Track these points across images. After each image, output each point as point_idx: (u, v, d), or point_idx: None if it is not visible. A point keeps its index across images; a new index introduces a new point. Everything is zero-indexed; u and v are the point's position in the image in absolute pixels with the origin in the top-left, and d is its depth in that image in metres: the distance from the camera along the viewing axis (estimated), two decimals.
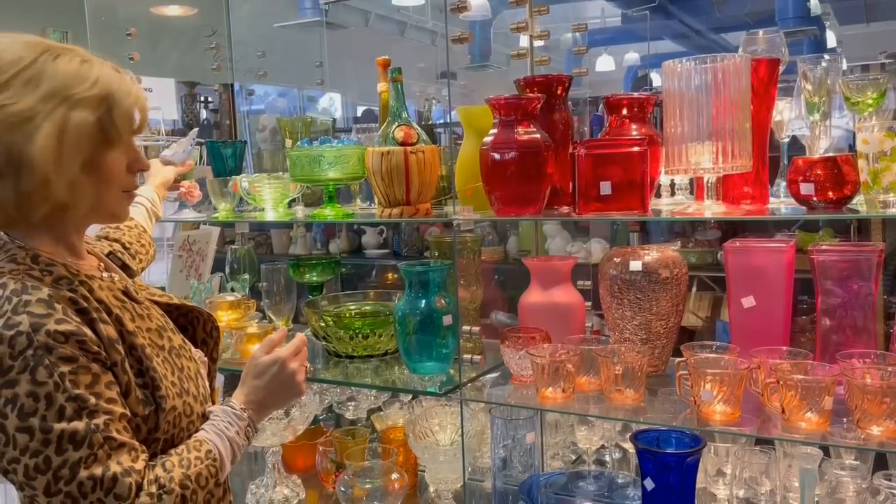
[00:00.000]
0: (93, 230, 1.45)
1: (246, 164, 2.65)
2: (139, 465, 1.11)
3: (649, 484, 1.60)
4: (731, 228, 4.06)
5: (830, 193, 1.54)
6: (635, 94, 1.88)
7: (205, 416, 1.30)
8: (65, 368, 1.07)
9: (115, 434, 1.10)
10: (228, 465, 1.26)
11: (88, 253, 1.31)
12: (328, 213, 2.07)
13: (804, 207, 1.60)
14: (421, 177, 1.90)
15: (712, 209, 1.62)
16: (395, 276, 4.60)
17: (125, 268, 1.44)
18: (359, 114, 7.16)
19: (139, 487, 1.10)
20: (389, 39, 6.63)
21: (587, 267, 2.36)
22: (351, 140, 2.16)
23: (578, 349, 1.84)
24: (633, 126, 1.85)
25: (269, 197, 2.17)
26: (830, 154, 1.61)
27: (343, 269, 3.75)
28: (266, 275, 2.43)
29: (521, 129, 1.75)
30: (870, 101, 1.66)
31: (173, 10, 3.47)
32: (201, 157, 2.45)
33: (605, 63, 7.46)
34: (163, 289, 2.53)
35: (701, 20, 6.87)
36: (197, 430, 1.26)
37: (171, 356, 1.27)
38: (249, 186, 2.18)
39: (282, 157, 2.43)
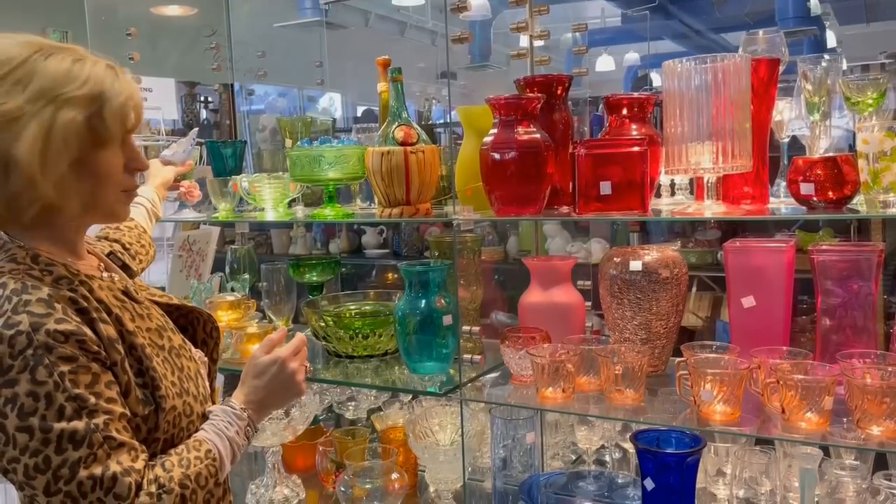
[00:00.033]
0: (93, 230, 1.45)
1: (246, 164, 2.65)
2: (139, 464, 1.11)
3: (649, 484, 1.60)
4: (731, 228, 4.06)
5: (830, 193, 1.54)
6: (635, 94, 1.88)
7: (205, 416, 1.30)
8: (64, 368, 1.07)
9: (114, 434, 1.10)
10: (228, 464, 1.26)
11: (89, 253, 1.31)
12: (328, 213, 2.07)
13: (804, 207, 1.60)
14: (421, 177, 1.90)
15: (712, 209, 1.62)
16: (395, 276, 4.60)
17: (125, 268, 1.44)
18: (359, 114, 7.16)
19: (139, 487, 1.10)
20: (389, 39, 6.63)
21: (587, 267, 2.36)
22: (351, 140, 2.16)
23: (578, 349, 1.84)
24: (633, 126, 1.85)
25: (269, 197, 2.17)
26: (830, 154, 1.61)
27: (343, 269, 3.75)
28: (266, 275, 2.43)
29: (521, 129, 1.75)
30: (870, 101, 1.66)
31: (173, 10, 3.47)
32: (201, 157, 2.45)
33: (605, 63, 7.46)
34: (163, 289, 2.54)
35: (701, 20, 6.87)
36: (197, 430, 1.26)
37: (171, 356, 1.27)
38: (249, 186, 2.18)
39: (282, 157, 2.43)
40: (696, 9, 6.63)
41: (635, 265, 1.87)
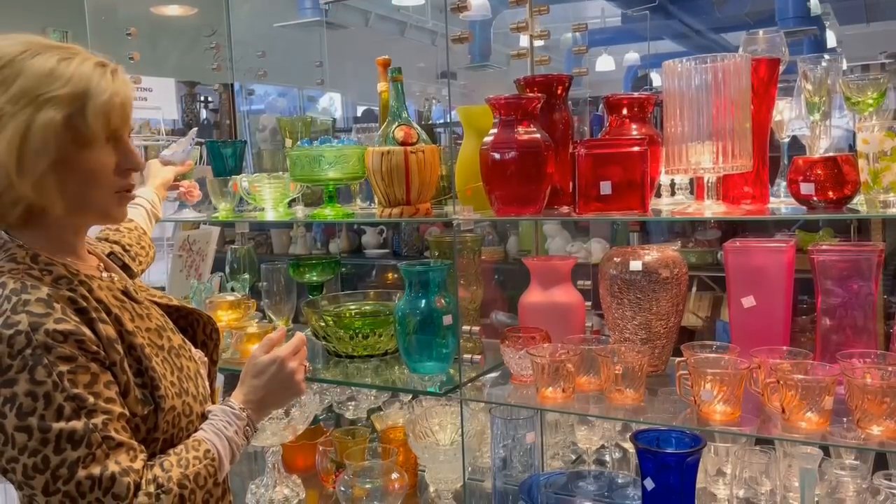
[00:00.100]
0: (93, 232, 1.45)
1: (246, 163, 2.65)
2: (137, 464, 1.11)
3: (649, 484, 1.60)
4: (731, 228, 4.06)
5: (830, 193, 1.54)
6: (635, 94, 1.88)
7: (204, 416, 1.30)
8: (63, 368, 1.07)
9: (113, 434, 1.10)
10: (227, 464, 1.26)
11: (89, 253, 1.31)
12: (328, 212, 2.07)
13: (804, 207, 1.60)
14: (421, 177, 1.90)
15: (712, 209, 1.62)
16: (395, 275, 4.60)
17: (125, 268, 1.44)
18: (359, 113, 7.16)
19: (137, 487, 1.10)
20: (389, 39, 6.63)
21: (587, 267, 2.36)
22: (351, 140, 2.16)
23: (578, 349, 1.84)
24: (634, 126, 1.84)
25: (269, 197, 2.17)
26: (830, 154, 1.61)
27: (343, 269, 3.75)
28: (266, 275, 2.43)
29: (521, 129, 1.75)
30: (870, 101, 1.66)
31: (173, 10, 3.47)
32: (201, 157, 2.45)
33: (605, 63, 7.46)
34: (163, 289, 2.54)
35: (701, 20, 6.87)
36: (196, 430, 1.26)
37: (171, 356, 1.26)
38: (249, 186, 2.18)
39: (282, 157, 2.43)
40: (696, 9, 6.63)
41: (635, 265, 1.86)
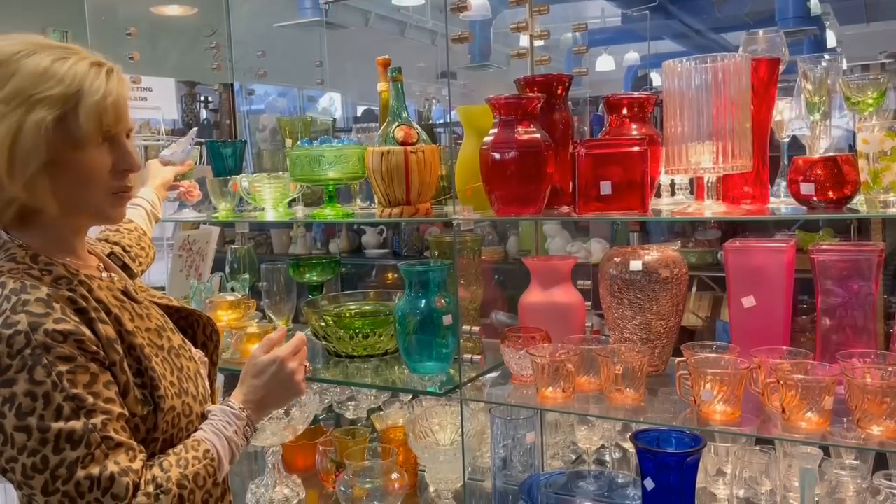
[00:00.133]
0: (93, 232, 1.45)
1: (246, 163, 2.65)
2: (136, 464, 1.11)
3: (649, 484, 1.60)
4: (731, 228, 4.06)
5: (830, 193, 1.54)
6: (635, 94, 1.88)
7: (204, 417, 1.30)
8: (63, 368, 1.07)
9: (112, 434, 1.09)
10: (227, 464, 1.26)
11: (89, 253, 1.31)
12: (328, 212, 2.07)
13: (804, 207, 1.60)
14: (421, 176, 1.90)
15: (712, 209, 1.62)
16: (395, 275, 4.60)
17: (126, 268, 1.44)
18: (359, 113, 7.16)
19: (136, 487, 1.10)
20: (389, 39, 6.63)
21: (587, 267, 2.36)
22: (351, 140, 2.16)
23: (578, 349, 1.84)
24: (634, 126, 1.84)
25: (269, 196, 2.17)
26: (831, 154, 1.61)
27: (343, 269, 3.75)
28: (266, 274, 2.43)
29: (521, 129, 1.75)
30: (870, 101, 1.66)
31: (173, 10, 3.47)
32: (201, 157, 2.45)
33: (605, 63, 7.46)
34: (163, 289, 2.54)
35: (701, 20, 6.87)
36: (196, 430, 1.26)
37: (171, 356, 1.26)
38: (249, 186, 2.18)
39: (282, 157, 2.43)
40: (696, 9, 6.63)
41: (635, 265, 1.86)
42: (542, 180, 1.76)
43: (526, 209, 1.78)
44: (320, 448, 2.38)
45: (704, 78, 1.54)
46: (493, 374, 2.06)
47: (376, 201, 1.99)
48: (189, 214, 2.38)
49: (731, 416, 1.62)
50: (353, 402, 2.57)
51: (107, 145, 1.18)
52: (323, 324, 2.17)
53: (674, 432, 1.65)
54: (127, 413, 1.14)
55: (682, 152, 1.58)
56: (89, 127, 1.13)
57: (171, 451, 1.20)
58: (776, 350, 1.69)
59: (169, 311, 1.39)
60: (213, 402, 1.38)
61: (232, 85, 3.52)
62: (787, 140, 1.86)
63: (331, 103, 6.93)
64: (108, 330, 1.15)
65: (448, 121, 4.61)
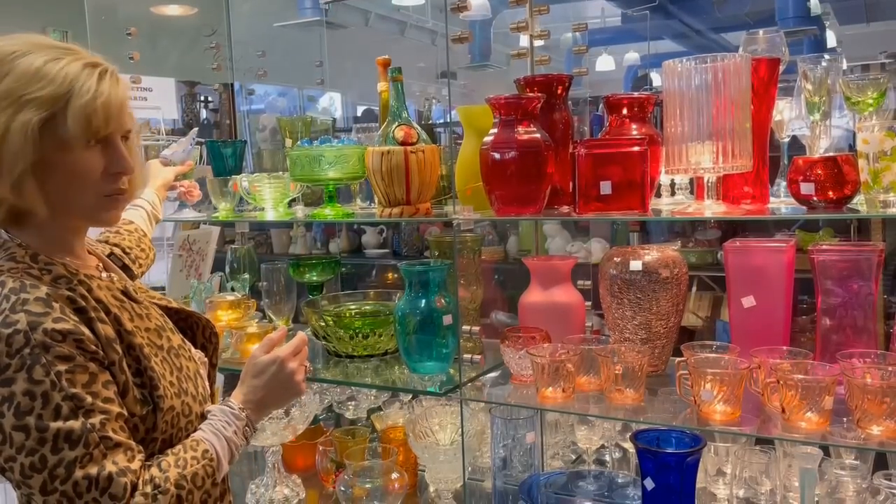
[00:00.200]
0: (94, 234, 1.45)
1: (246, 163, 2.65)
2: (135, 464, 1.11)
3: (649, 484, 1.60)
4: (731, 228, 4.06)
5: (830, 193, 1.54)
6: (635, 94, 1.88)
7: (203, 417, 1.29)
8: (61, 367, 1.07)
9: (111, 434, 1.09)
10: (226, 464, 1.26)
11: (89, 253, 1.31)
12: (328, 212, 2.07)
13: (804, 207, 1.60)
14: (421, 176, 1.90)
15: (712, 209, 1.62)
16: (395, 275, 4.60)
17: (126, 269, 1.44)
18: (359, 113, 7.16)
19: (134, 487, 1.10)
20: (389, 39, 6.63)
21: (587, 267, 2.36)
22: (351, 140, 2.16)
23: (578, 349, 1.84)
24: (634, 126, 1.84)
25: (269, 196, 2.17)
26: (831, 154, 1.61)
27: (343, 269, 3.75)
28: (266, 274, 2.42)
29: (521, 129, 1.75)
30: (870, 101, 1.66)
31: (173, 10, 3.47)
32: (201, 157, 2.45)
33: (605, 63, 7.46)
34: (162, 289, 2.54)
35: (701, 20, 6.87)
36: (195, 430, 1.26)
37: (170, 356, 1.26)
38: (249, 186, 2.18)
39: (282, 157, 2.43)
40: (696, 9, 6.63)
41: (635, 265, 1.86)
42: (542, 180, 1.76)
43: (526, 209, 1.78)
44: (320, 448, 2.38)
45: (704, 78, 1.54)
46: (493, 374, 2.06)
47: (376, 201, 1.99)
48: (189, 214, 2.38)
49: (731, 416, 1.62)
50: (353, 402, 2.57)
51: (99, 147, 1.17)
52: (323, 324, 2.17)
53: (674, 432, 1.65)
54: (126, 413, 1.14)
55: (682, 152, 1.58)
56: (77, 128, 1.12)
57: (169, 451, 1.19)
58: (776, 350, 1.69)
59: (168, 312, 1.39)
60: (213, 402, 1.38)
61: (232, 85, 3.52)
62: (787, 140, 1.86)
63: (331, 103, 6.93)
64: (107, 329, 1.15)
65: (448, 121, 4.61)
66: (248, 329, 2.19)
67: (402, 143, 1.89)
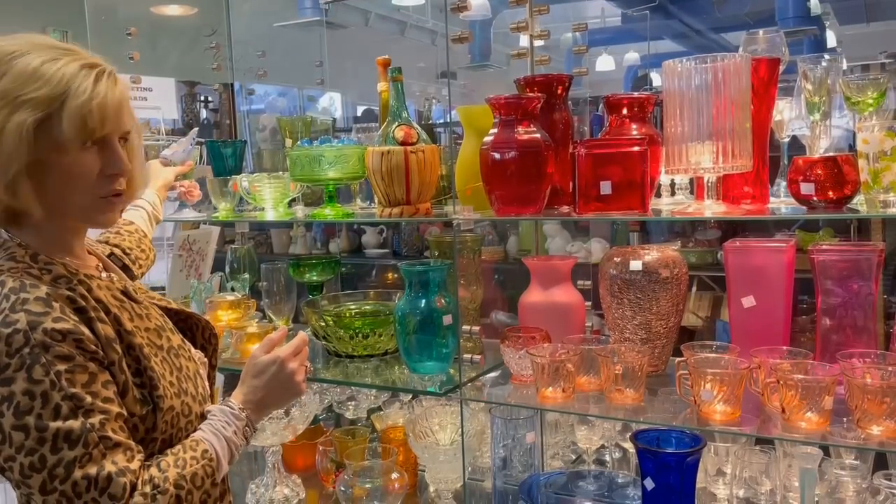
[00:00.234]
0: (94, 235, 1.45)
1: (246, 163, 2.65)
2: (134, 464, 1.11)
3: (649, 484, 1.60)
4: (731, 228, 4.06)
5: (830, 193, 1.54)
6: (635, 94, 1.88)
7: (203, 417, 1.29)
8: (61, 367, 1.07)
9: (110, 433, 1.09)
10: (226, 464, 1.26)
11: (89, 253, 1.31)
12: (328, 212, 2.07)
13: (804, 207, 1.60)
14: (421, 176, 1.90)
15: (712, 209, 1.62)
16: (395, 275, 4.60)
17: (126, 269, 1.44)
18: (359, 113, 7.16)
19: (133, 487, 1.10)
20: (389, 39, 6.63)
21: (587, 267, 2.36)
22: (351, 140, 2.16)
23: (578, 349, 1.84)
24: (634, 126, 1.84)
25: (269, 196, 2.17)
26: (831, 154, 1.61)
27: (343, 269, 3.75)
28: (266, 274, 2.42)
29: (521, 129, 1.75)
30: (870, 101, 1.66)
31: (173, 10, 3.47)
32: (201, 157, 2.45)
33: (605, 63, 7.46)
34: (162, 288, 2.54)
35: (701, 20, 6.87)
36: (195, 430, 1.26)
37: (170, 356, 1.26)
38: (249, 186, 2.18)
39: (282, 157, 2.43)
40: (696, 9, 6.63)
41: (635, 265, 1.86)
42: (542, 180, 1.76)
43: (526, 209, 1.78)
44: (320, 448, 2.38)
45: (704, 78, 1.54)
46: (493, 374, 2.06)
47: (376, 201, 1.99)
48: (189, 214, 2.38)
49: (731, 416, 1.62)
50: (353, 402, 2.57)
51: (95, 149, 1.16)
52: (323, 324, 2.17)
53: (674, 432, 1.65)
54: (125, 413, 1.14)
55: (682, 152, 1.58)
56: (72, 129, 1.11)
57: (169, 451, 1.19)
58: (776, 350, 1.69)
59: (168, 313, 1.38)
60: (213, 402, 1.38)
61: (232, 85, 3.52)
62: (787, 140, 1.86)
63: (331, 103, 6.93)
64: (107, 329, 1.15)
65: (448, 121, 4.61)
66: (248, 329, 2.19)
67: (402, 143, 1.89)
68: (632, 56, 7.59)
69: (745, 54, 1.65)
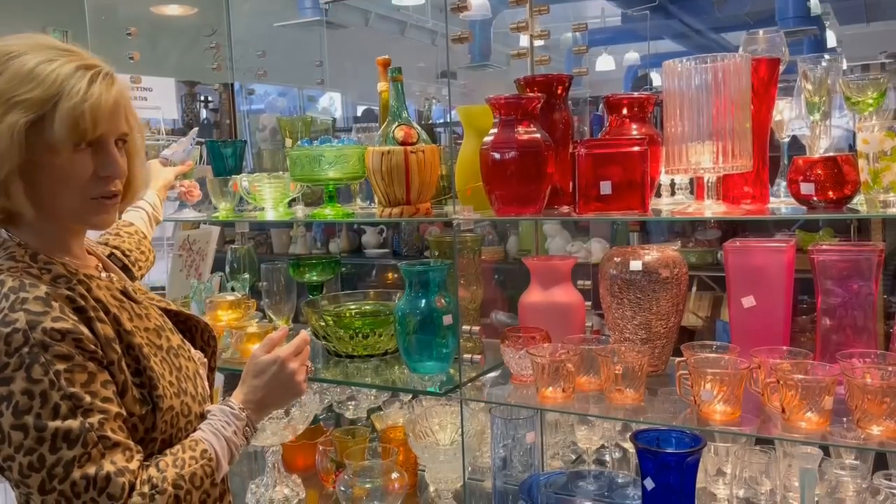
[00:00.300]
0: (94, 236, 1.44)
1: (246, 163, 2.65)
2: (133, 464, 1.11)
3: (649, 484, 1.60)
4: (731, 228, 4.06)
5: (830, 193, 1.54)
6: (635, 94, 1.88)
7: (203, 417, 1.29)
8: (60, 366, 1.07)
9: (109, 433, 1.09)
10: (225, 464, 1.26)
11: (89, 253, 1.31)
12: (328, 212, 2.07)
13: (804, 207, 1.60)
14: (421, 176, 1.90)
15: (712, 209, 1.62)
16: (395, 275, 4.60)
17: (126, 269, 1.44)
18: (359, 113, 7.16)
19: (132, 487, 1.10)
20: (389, 39, 6.63)
21: (587, 266, 2.36)
22: (351, 140, 2.16)
23: (578, 349, 1.84)
24: (634, 126, 1.84)
25: (269, 196, 2.17)
26: (831, 154, 1.61)
27: (343, 269, 3.75)
28: (266, 274, 2.42)
29: (521, 129, 1.75)
30: (870, 101, 1.66)
31: (173, 10, 3.47)
32: (201, 157, 2.45)
33: (605, 63, 7.46)
34: (163, 289, 2.54)
35: (701, 20, 6.87)
36: (195, 430, 1.26)
37: (170, 356, 1.26)
38: (249, 186, 2.18)
39: (282, 157, 2.43)
40: (696, 8, 6.63)
41: (635, 265, 1.86)
42: (542, 180, 1.76)
43: (526, 209, 1.78)
44: (320, 448, 2.38)
45: (704, 78, 1.54)
46: (493, 374, 2.06)
47: (376, 201, 1.99)
48: (189, 214, 2.38)
49: (731, 416, 1.62)
50: (353, 402, 2.57)
51: (90, 150, 1.16)
52: (323, 324, 2.17)
53: (674, 432, 1.65)
54: (125, 412, 1.14)
55: (682, 152, 1.58)
56: (63, 131, 1.11)
57: (168, 451, 1.19)
58: (776, 350, 1.69)
59: (167, 314, 1.38)
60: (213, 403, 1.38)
61: (232, 85, 3.52)
62: (787, 140, 1.86)
63: (331, 103, 6.93)
64: (106, 329, 1.15)
65: (448, 121, 4.61)
66: (248, 329, 2.19)
67: (402, 143, 1.89)
68: (632, 56, 7.59)
69: (745, 54, 1.65)
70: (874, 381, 1.50)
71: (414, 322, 1.94)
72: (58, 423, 1.06)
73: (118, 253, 1.59)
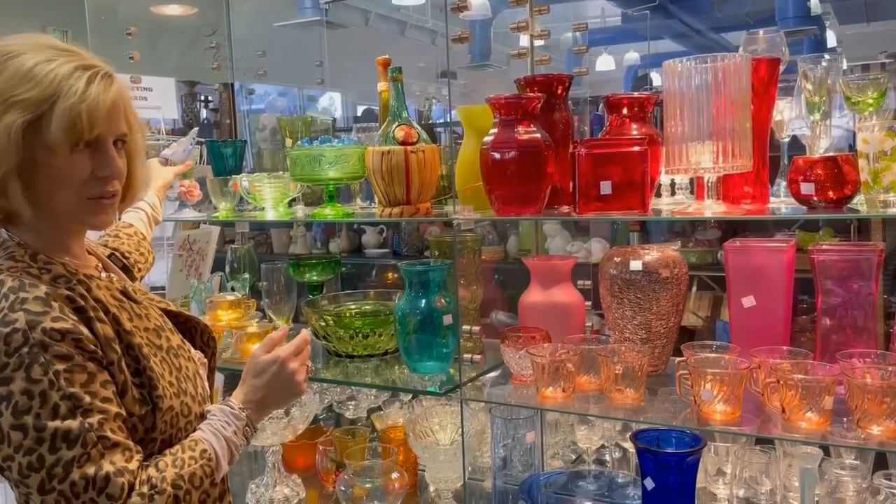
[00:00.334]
0: (94, 237, 1.44)
1: (246, 163, 2.65)
2: (132, 465, 1.11)
3: (649, 483, 1.60)
4: (731, 228, 4.06)
5: (831, 193, 1.54)
6: (635, 94, 1.88)
7: (203, 417, 1.29)
8: (60, 367, 1.07)
9: (108, 433, 1.09)
10: (225, 464, 1.26)
11: (89, 253, 1.31)
12: (328, 212, 2.07)
13: (804, 207, 1.60)
14: (421, 176, 1.90)
15: (712, 209, 1.62)
16: (395, 275, 4.60)
17: (125, 270, 1.44)
18: (359, 113, 7.16)
19: (131, 487, 1.10)
20: (389, 39, 6.63)
21: (587, 266, 2.36)
22: (351, 139, 2.16)
23: (578, 349, 1.84)
24: (634, 125, 1.84)
25: (269, 196, 2.17)
26: (831, 154, 1.61)
27: (343, 269, 3.75)
28: (266, 274, 2.42)
29: (521, 129, 1.75)
30: (870, 101, 1.66)
31: (173, 10, 3.47)
32: (201, 157, 2.45)
33: (605, 62, 7.47)
34: (163, 289, 2.54)
35: (701, 20, 6.87)
36: (195, 430, 1.26)
37: (170, 356, 1.26)
38: (249, 186, 2.18)
39: (282, 157, 2.43)
40: (697, 8, 6.63)
41: (635, 265, 1.86)
42: (542, 180, 1.76)
43: (526, 209, 1.78)
44: (320, 448, 2.38)
45: (704, 78, 1.54)
46: (493, 374, 2.06)
47: (376, 201, 1.99)
48: (189, 214, 2.38)
49: (731, 415, 1.62)
50: (353, 402, 2.57)
51: (88, 151, 1.16)
52: (323, 323, 2.17)
53: (674, 432, 1.65)
54: (124, 413, 1.14)
55: (683, 152, 1.58)
56: (60, 131, 1.11)
57: (167, 451, 1.19)
58: (776, 350, 1.69)
59: (167, 315, 1.38)
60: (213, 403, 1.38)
61: (232, 84, 3.52)
62: (787, 140, 1.86)
63: (331, 103, 6.93)
64: (106, 329, 1.15)
65: (448, 121, 4.61)
66: (248, 329, 2.19)
67: (403, 143, 1.89)
68: (632, 56, 7.59)
69: (745, 54, 1.65)
70: (874, 381, 1.50)
71: (414, 322, 1.94)
72: (57, 423, 1.06)
73: (118, 254, 1.59)
